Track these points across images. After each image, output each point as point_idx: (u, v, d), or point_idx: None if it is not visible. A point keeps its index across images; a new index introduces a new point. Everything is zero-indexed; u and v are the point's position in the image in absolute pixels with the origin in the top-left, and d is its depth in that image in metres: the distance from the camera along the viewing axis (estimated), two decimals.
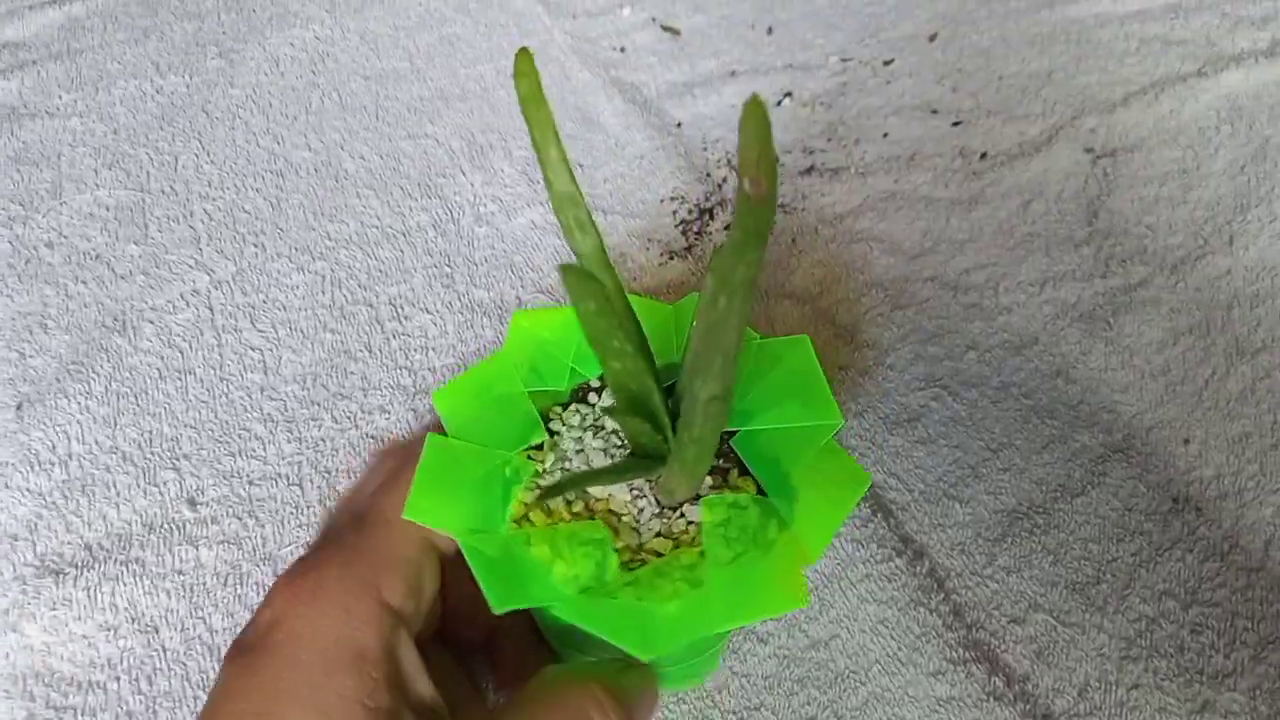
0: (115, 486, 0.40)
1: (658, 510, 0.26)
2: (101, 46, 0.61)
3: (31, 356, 0.44)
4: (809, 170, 0.52)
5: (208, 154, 0.54)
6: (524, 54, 0.20)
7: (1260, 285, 0.45)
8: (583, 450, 0.27)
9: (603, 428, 0.27)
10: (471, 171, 0.52)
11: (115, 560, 0.37)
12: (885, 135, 0.54)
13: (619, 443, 0.27)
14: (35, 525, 0.39)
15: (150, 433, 0.41)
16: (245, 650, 0.24)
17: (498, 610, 0.23)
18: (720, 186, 0.51)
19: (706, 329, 0.20)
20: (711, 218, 0.49)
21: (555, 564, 0.23)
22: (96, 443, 0.41)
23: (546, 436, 0.27)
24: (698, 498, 0.26)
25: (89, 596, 0.36)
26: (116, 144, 0.54)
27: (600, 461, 0.26)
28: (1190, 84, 0.55)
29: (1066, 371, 0.43)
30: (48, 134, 0.55)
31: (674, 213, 0.50)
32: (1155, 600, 0.36)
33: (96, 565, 0.37)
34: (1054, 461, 0.40)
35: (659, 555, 0.25)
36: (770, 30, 0.62)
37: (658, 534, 0.25)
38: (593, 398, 0.28)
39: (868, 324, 0.45)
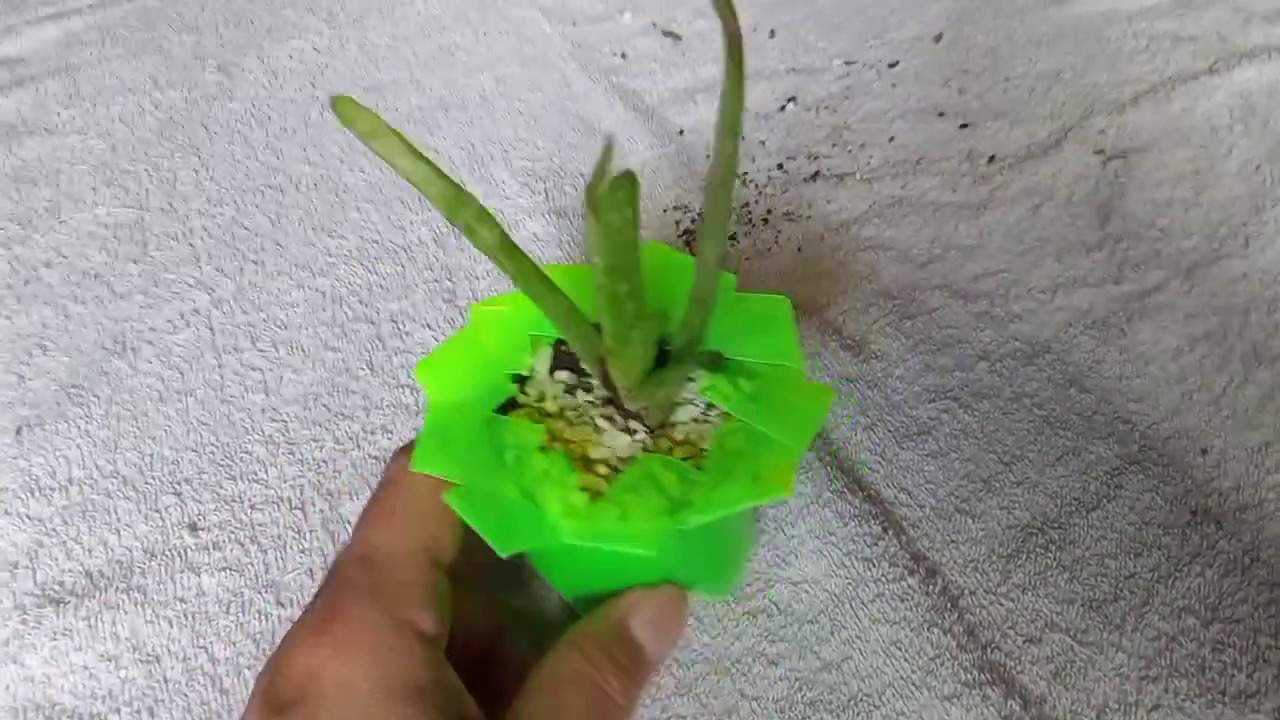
0: (116, 512, 0.39)
1: (653, 438, 0.28)
2: (99, 62, 0.60)
3: (31, 379, 0.44)
4: (814, 176, 0.51)
5: (207, 170, 0.53)
6: (343, 103, 0.20)
7: (1278, 289, 0.44)
8: (571, 408, 0.28)
9: (577, 388, 0.29)
10: (472, 183, 0.52)
11: (116, 588, 0.37)
12: (891, 139, 0.53)
13: (602, 394, 0.29)
14: (35, 553, 0.38)
15: (151, 456, 0.41)
16: (285, 707, 0.24)
17: (503, 554, 0.24)
18: None
19: (711, 184, 0.23)
20: None
21: (631, 519, 0.25)
22: (97, 467, 0.41)
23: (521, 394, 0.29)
24: (674, 409, 0.28)
25: (90, 626, 0.36)
26: (115, 161, 0.54)
27: (599, 412, 0.28)
28: (1202, 82, 0.54)
29: (1080, 381, 0.42)
30: (46, 151, 0.55)
31: (676, 223, 0.49)
32: (1175, 617, 0.35)
33: (97, 593, 0.37)
34: (1068, 474, 0.39)
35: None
36: (772, 33, 0.61)
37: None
38: (562, 374, 0.29)
39: (876, 334, 0.44)
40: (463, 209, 0.22)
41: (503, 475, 0.26)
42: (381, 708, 0.23)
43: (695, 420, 0.28)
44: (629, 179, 0.21)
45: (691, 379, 0.28)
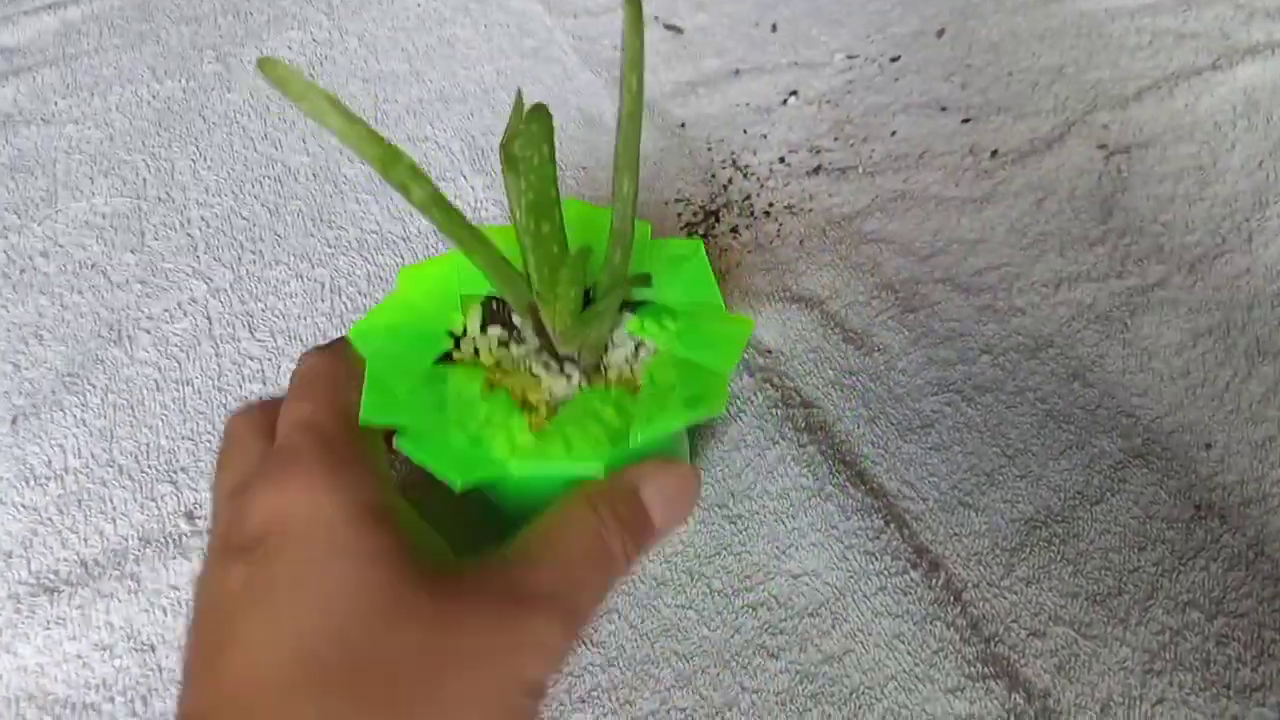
0: (112, 501, 0.39)
1: (588, 380, 0.29)
2: (97, 51, 0.60)
3: (26, 369, 0.44)
4: (816, 170, 0.51)
5: (205, 160, 0.53)
6: (268, 63, 0.20)
7: None
8: (507, 360, 0.30)
9: (510, 341, 0.30)
10: (472, 175, 0.51)
11: (111, 577, 0.36)
12: (893, 133, 0.53)
13: (535, 344, 0.30)
14: (30, 542, 0.38)
15: (147, 445, 0.41)
16: (250, 547, 0.24)
17: (458, 487, 0.25)
18: (725, 188, 0.50)
19: (622, 119, 0.24)
20: (717, 220, 0.48)
21: (573, 451, 0.26)
22: (93, 456, 0.40)
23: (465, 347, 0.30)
24: (606, 351, 0.30)
25: (84, 615, 0.35)
26: (112, 150, 0.54)
27: (535, 360, 0.29)
28: (1205, 77, 0.54)
29: (1083, 375, 0.42)
30: (43, 141, 0.55)
31: (678, 215, 0.49)
32: (1179, 611, 0.35)
33: (92, 582, 0.36)
34: (1072, 468, 0.39)
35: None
36: (774, 27, 0.61)
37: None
38: (494, 330, 0.30)
39: (879, 328, 0.44)
40: (396, 166, 0.22)
41: (446, 423, 0.27)
42: (348, 530, 0.24)
43: (627, 360, 0.30)
44: (542, 114, 0.21)
45: (618, 324, 0.30)
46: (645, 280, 0.27)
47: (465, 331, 0.30)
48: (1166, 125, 0.52)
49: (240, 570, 0.24)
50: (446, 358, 0.29)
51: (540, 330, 0.29)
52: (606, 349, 0.30)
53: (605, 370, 0.29)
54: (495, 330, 0.30)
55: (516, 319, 0.31)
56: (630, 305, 0.31)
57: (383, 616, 0.23)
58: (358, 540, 0.24)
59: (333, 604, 0.23)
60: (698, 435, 0.40)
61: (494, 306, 0.31)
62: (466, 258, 0.26)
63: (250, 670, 0.23)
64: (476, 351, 0.30)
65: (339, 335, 0.44)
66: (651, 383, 0.28)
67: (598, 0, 0.62)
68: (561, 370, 0.29)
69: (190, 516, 0.38)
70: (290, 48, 0.60)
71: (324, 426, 0.27)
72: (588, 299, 0.30)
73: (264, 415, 0.30)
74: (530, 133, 0.22)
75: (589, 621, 0.28)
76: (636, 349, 0.30)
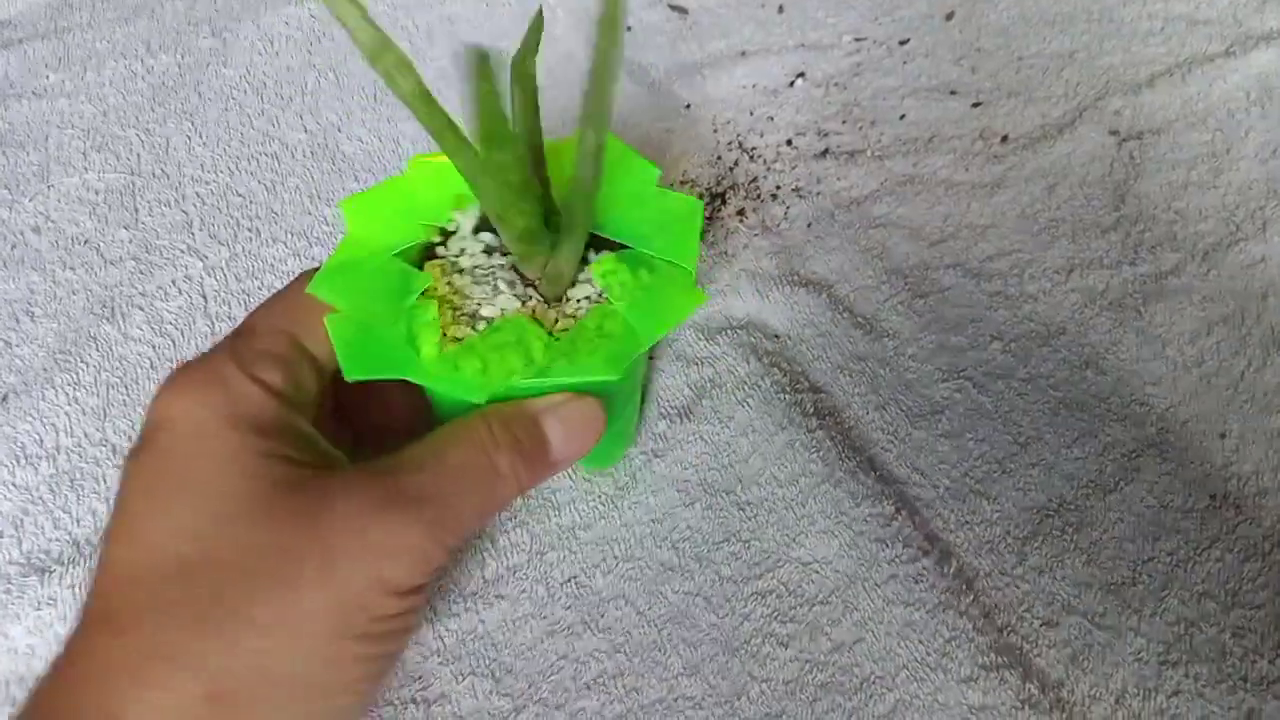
0: (105, 480, 0.38)
1: (546, 308, 0.29)
2: (90, 25, 0.59)
3: (18, 345, 0.43)
4: (824, 153, 0.50)
5: (200, 136, 0.52)
6: None
7: None
8: (459, 289, 0.29)
9: (495, 250, 0.30)
10: None
11: None
12: (902, 117, 0.52)
13: (490, 273, 0.30)
14: (21, 521, 0.37)
15: (148, 438, 0.40)
16: (138, 451, 0.26)
17: (349, 377, 0.26)
18: (731, 170, 0.49)
19: (592, 72, 0.23)
20: (724, 202, 0.48)
21: (488, 373, 0.26)
22: (85, 435, 0.40)
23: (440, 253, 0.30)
24: (574, 285, 0.29)
25: (75, 595, 0.35)
26: (106, 126, 0.53)
27: (480, 293, 0.29)
28: (1218, 64, 0.53)
29: (1096, 362, 0.41)
30: (35, 115, 0.53)
31: None
32: (1194, 602, 0.34)
33: (83, 562, 0.36)
34: (1085, 456, 0.38)
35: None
36: (781, 8, 0.60)
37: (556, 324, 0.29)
38: (485, 235, 0.30)
39: (888, 313, 0.43)
40: (385, 55, 0.23)
41: (397, 314, 0.27)
42: (224, 434, 0.25)
43: (589, 299, 0.29)
44: (485, 55, 0.22)
45: (588, 261, 0.30)
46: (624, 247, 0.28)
47: (457, 229, 0.30)
48: (1179, 112, 0.51)
49: (129, 466, 0.26)
50: (430, 253, 0.30)
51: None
52: (574, 284, 0.29)
53: (566, 303, 0.29)
54: (486, 236, 0.30)
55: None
56: (612, 246, 0.31)
57: (244, 515, 0.24)
58: (227, 442, 0.25)
59: (198, 502, 0.24)
60: (705, 420, 0.39)
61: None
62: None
63: (124, 565, 0.24)
64: (461, 252, 0.30)
65: None
66: (595, 328, 0.28)
67: None
68: (523, 293, 0.29)
69: None
70: (287, 23, 0.59)
71: (249, 335, 0.28)
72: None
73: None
74: (483, 69, 0.22)
75: (464, 532, 0.27)
76: (601, 291, 0.30)
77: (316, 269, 0.29)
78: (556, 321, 0.29)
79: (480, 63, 0.22)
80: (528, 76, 0.27)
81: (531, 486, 0.29)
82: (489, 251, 0.30)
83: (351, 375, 0.26)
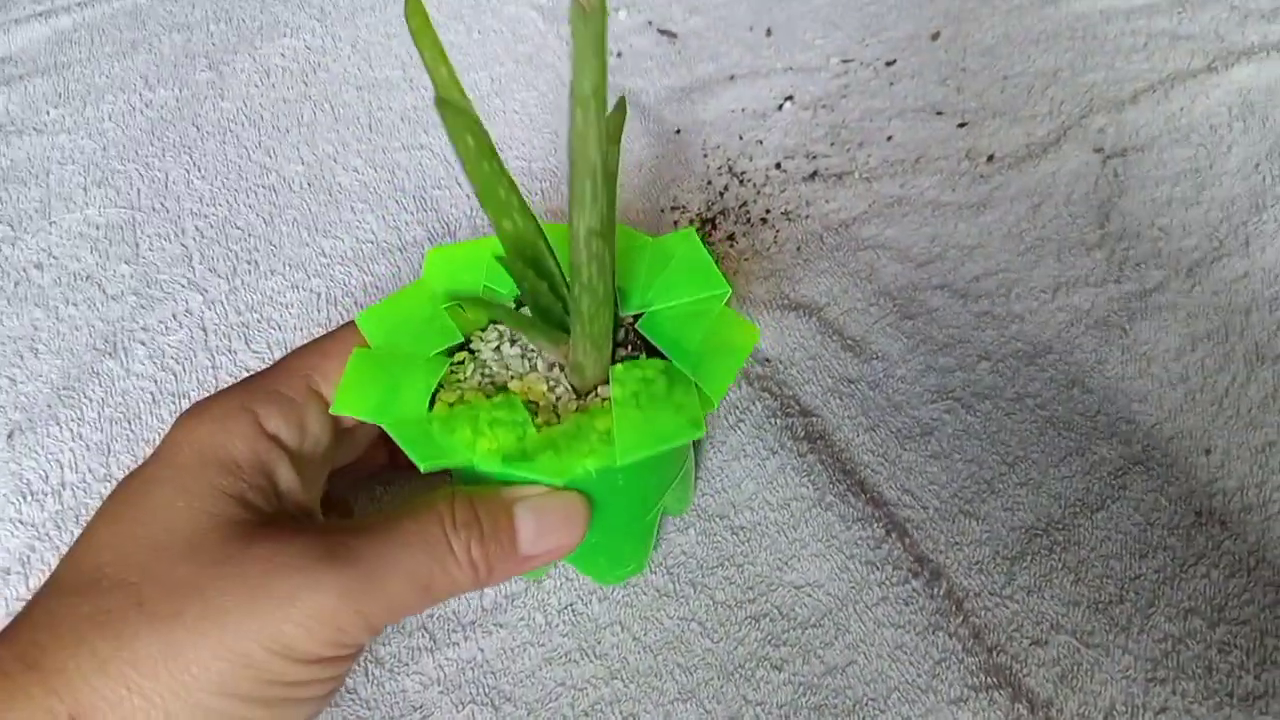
0: None
1: (573, 396, 0.28)
2: (89, 60, 0.60)
3: (22, 382, 0.43)
4: (812, 176, 0.51)
5: (198, 169, 0.53)
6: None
7: (1279, 288, 0.44)
8: (500, 358, 0.29)
9: (518, 340, 0.30)
10: (467, 183, 0.51)
11: None
12: (889, 138, 0.53)
13: (534, 350, 0.30)
14: (28, 558, 0.38)
15: (144, 460, 0.40)
16: (149, 457, 0.28)
17: (424, 469, 0.26)
18: (722, 195, 0.50)
19: (573, 153, 0.22)
20: (714, 228, 0.48)
21: (478, 441, 0.26)
22: (90, 471, 0.40)
23: (465, 352, 0.30)
24: (606, 384, 0.28)
25: None
26: (106, 160, 0.53)
27: (518, 366, 0.29)
28: (1200, 80, 0.54)
29: (1082, 381, 0.42)
30: (36, 151, 0.54)
31: (674, 223, 0.49)
32: (1181, 619, 0.35)
33: None
34: (1072, 475, 0.39)
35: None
36: (769, 31, 0.61)
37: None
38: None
39: (877, 335, 0.43)
40: (461, 116, 0.23)
41: (421, 363, 0.28)
42: (195, 467, 0.26)
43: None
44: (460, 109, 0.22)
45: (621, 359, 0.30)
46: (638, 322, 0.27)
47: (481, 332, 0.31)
48: (1162, 128, 0.52)
49: (124, 478, 0.27)
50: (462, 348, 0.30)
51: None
52: (606, 381, 0.29)
53: (594, 398, 0.29)
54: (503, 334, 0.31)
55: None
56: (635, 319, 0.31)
57: (174, 548, 0.25)
58: (196, 476, 0.26)
59: (141, 529, 0.25)
60: (697, 445, 0.40)
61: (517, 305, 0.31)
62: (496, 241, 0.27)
63: (54, 579, 0.25)
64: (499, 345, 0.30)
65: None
66: (602, 432, 0.27)
67: None
68: (557, 376, 0.29)
69: None
70: (283, 55, 0.60)
71: (268, 375, 0.29)
72: None
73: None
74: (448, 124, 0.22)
75: (394, 608, 0.25)
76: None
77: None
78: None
79: (450, 115, 0.22)
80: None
81: (494, 580, 0.27)
82: (511, 343, 0.30)
83: (337, 408, 0.27)
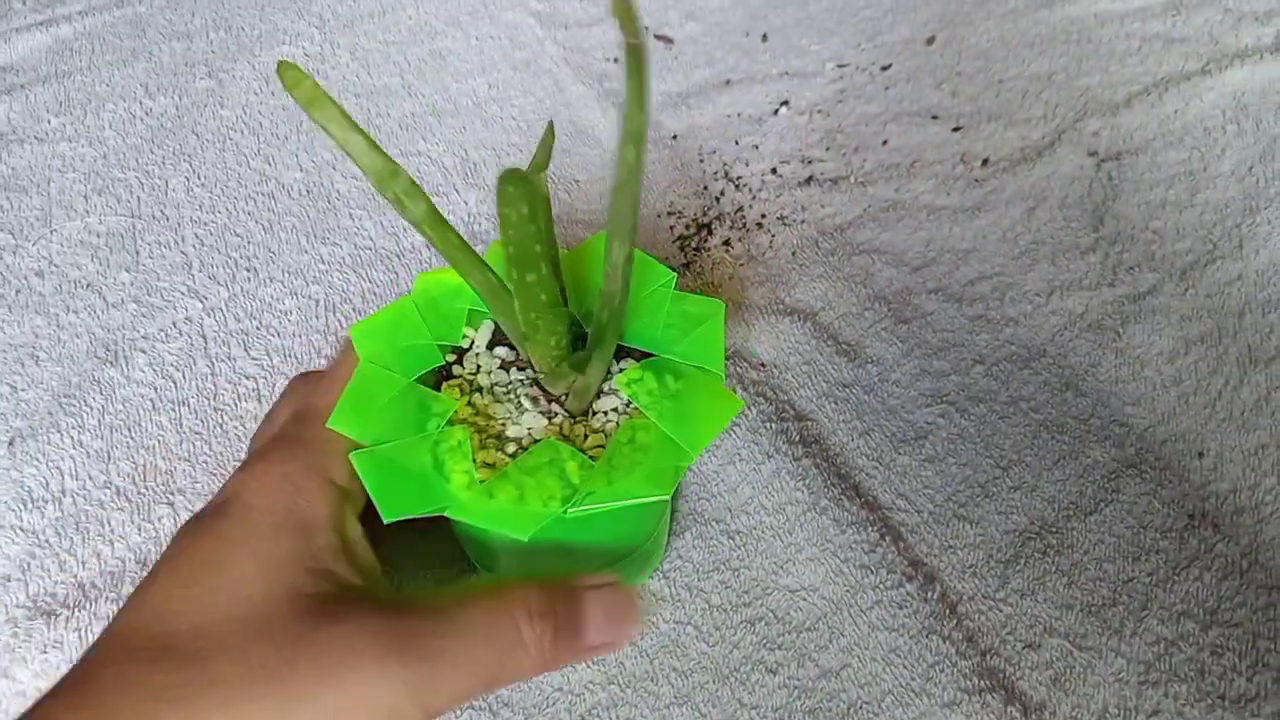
0: (109, 524, 0.39)
1: (573, 423, 0.29)
2: (90, 69, 0.60)
3: (23, 390, 0.44)
4: (808, 181, 0.51)
5: (198, 177, 0.53)
6: (286, 66, 0.21)
7: (1272, 290, 0.44)
8: (502, 385, 0.29)
9: (513, 365, 0.30)
10: (465, 189, 0.51)
11: (108, 600, 0.37)
12: (885, 143, 0.53)
13: (533, 374, 0.30)
14: (28, 565, 0.38)
15: (144, 467, 0.41)
16: (202, 518, 0.27)
17: (388, 518, 0.25)
18: (718, 200, 0.50)
19: (616, 188, 0.23)
20: (710, 233, 0.49)
21: (525, 500, 0.26)
22: (90, 478, 0.41)
23: (461, 368, 0.30)
24: (599, 397, 0.29)
25: (81, 639, 0.36)
26: (106, 169, 0.54)
27: (525, 392, 0.29)
28: (1194, 83, 0.54)
29: (1076, 384, 0.42)
30: (37, 159, 0.55)
31: (670, 228, 0.49)
32: (1173, 622, 0.35)
33: (89, 605, 0.36)
34: (1065, 478, 0.39)
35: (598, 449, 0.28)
36: (765, 37, 0.61)
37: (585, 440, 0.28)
38: (500, 350, 0.30)
39: (871, 339, 0.44)
40: (393, 181, 0.23)
41: (422, 442, 0.27)
42: (267, 531, 0.26)
43: (615, 410, 0.29)
44: (523, 179, 0.21)
45: (612, 372, 0.30)
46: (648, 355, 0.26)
47: (471, 345, 0.30)
48: (1156, 131, 0.52)
49: (192, 525, 0.27)
50: (445, 373, 0.30)
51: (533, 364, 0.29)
52: (598, 396, 0.29)
53: (592, 417, 0.29)
54: (502, 351, 0.30)
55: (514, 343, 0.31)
56: (634, 354, 0.30)
57: (248, 624, 0.24)
58: (275, 543, 0.26)
59: (215, 596, 0.25)
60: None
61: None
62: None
63: (120, 633, 0.25)
64: (477, 370, 0.30)
65: (332, 356, 0.44)
66: (628, 443, 0.27)
67: (589, 12, 0.63)
68: (548, 409, 0.29)
69: None
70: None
71: (315, 423, 0.28)
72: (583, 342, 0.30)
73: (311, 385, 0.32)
74: (511, 194, 0.22)
75: (458, 698, 0.25)
76: (628, 402, 0.29)
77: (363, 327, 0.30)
78: (586, 437, 0.28)
79: (511, 185, 0.22)
80: (540, 193, 0.26)
81: (556, 667, 0.27)
82: (506, 367, 0.30)
83: (390, 516, 0.25)
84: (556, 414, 0.29)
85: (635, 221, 0.24)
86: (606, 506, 0.26)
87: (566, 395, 0.29)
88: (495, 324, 0.31)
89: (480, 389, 0.29)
